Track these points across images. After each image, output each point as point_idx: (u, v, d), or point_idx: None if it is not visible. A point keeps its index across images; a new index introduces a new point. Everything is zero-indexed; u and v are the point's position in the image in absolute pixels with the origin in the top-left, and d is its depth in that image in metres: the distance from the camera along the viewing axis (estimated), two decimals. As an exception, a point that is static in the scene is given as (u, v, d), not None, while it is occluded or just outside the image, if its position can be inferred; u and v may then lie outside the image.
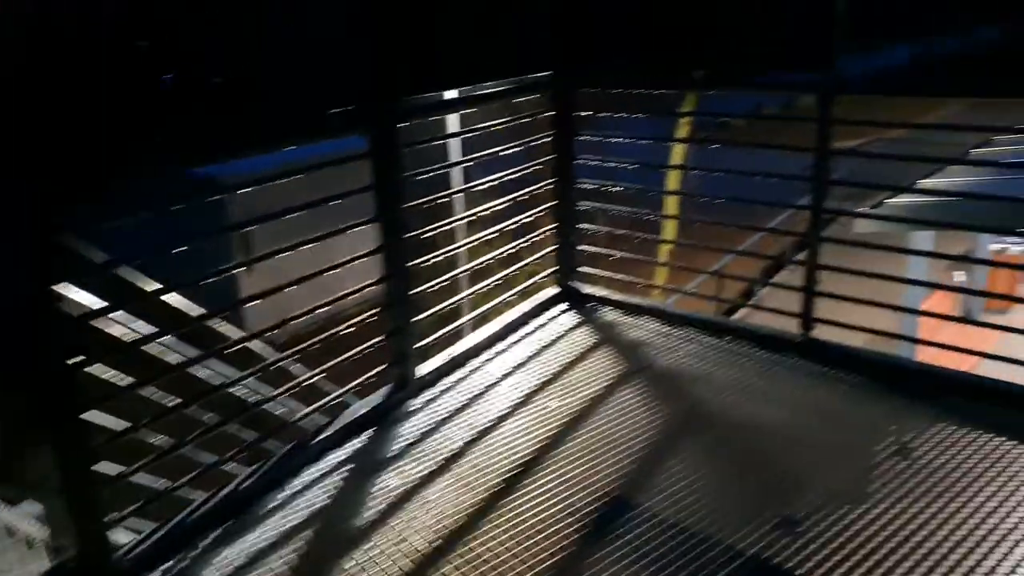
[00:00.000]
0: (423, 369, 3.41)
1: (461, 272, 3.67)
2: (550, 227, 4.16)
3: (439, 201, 3.49)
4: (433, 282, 3.38)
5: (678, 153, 8.29)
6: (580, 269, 4.32)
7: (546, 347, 3.78)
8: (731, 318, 6.54)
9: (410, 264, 3.17)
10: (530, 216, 3.98)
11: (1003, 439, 2.85)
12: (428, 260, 3.33)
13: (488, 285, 3.82)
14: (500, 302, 3.99)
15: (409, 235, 3.15)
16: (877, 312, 3.47)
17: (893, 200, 7.02)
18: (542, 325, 4.02)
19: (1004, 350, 3.15)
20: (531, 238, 4.03)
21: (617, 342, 3.84)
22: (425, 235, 3.31)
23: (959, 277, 11.46)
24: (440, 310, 3.51)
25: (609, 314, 4.13)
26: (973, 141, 9.25)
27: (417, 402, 3.26)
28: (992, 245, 10.48)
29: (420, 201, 3.24)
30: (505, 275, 3.90)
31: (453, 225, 3.82)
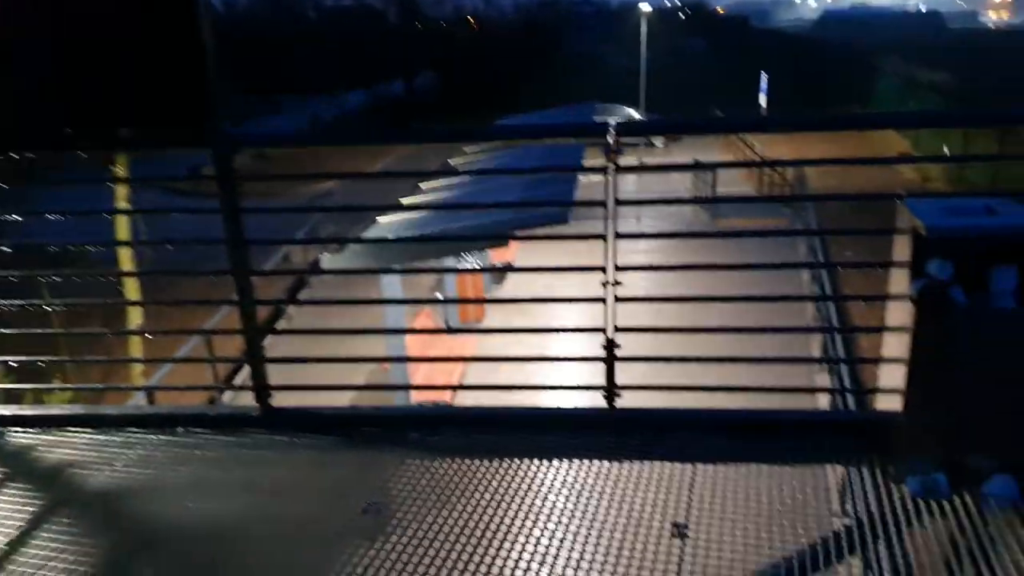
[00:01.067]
0: None
1: None
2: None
3: None
4: None
5: (122, 226, 7.36)
6: (-27, 387, 3.31)
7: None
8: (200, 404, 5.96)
9: None
10: None
11: (468, 461, 2.87)
12: None
13: None
14: None
15: None
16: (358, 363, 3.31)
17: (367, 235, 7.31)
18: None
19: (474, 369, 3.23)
20: None
21: (30, 473, 2.99)
22: None
23: (439, 295, 12.72)
24: None
25: (17, 437, 3.22)
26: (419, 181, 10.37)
27: None
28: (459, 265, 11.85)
29: None
30: None
31: None
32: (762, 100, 23.06)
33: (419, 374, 8.87)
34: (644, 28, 22.74)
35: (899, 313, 2.51)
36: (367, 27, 46.38)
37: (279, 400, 3.30)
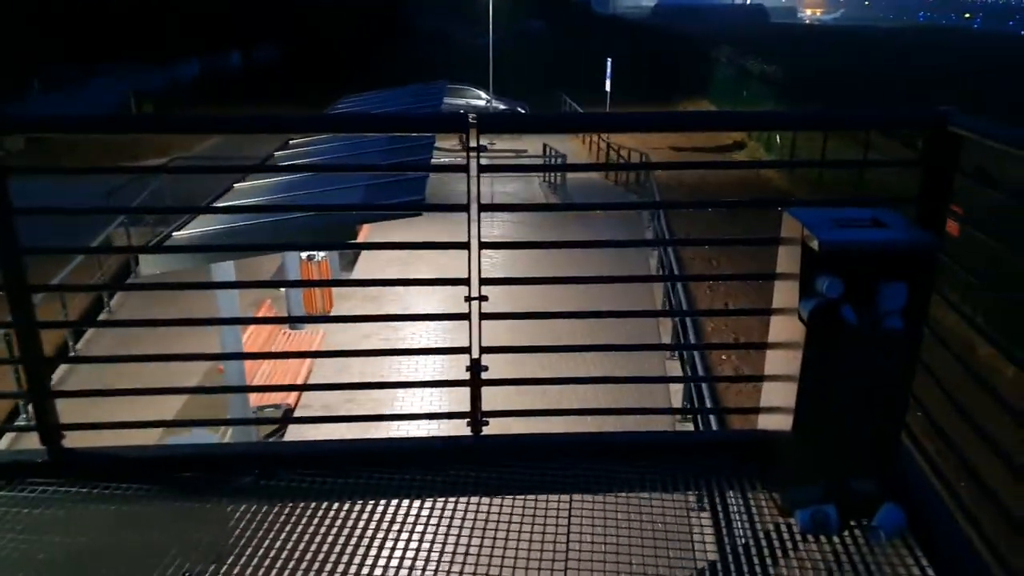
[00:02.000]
0: None
1: None
2: None
3: None
4: None
5: None
6: None
7: None
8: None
9: None
10: None
11: (313, 507, 2.46)
12: None
13: None
14: None
15: None
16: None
17: (185, 232, 6.49)
18: None
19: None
20: None
21: None
22: None
23: (283, 290, 11.88)
24: None
25: None
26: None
27: None
28: (302, 255, 11.06)
29: None
30: None
31: None
32: (607, 85, 23.51)
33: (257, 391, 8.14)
34: (491, 7, 22.53)
35: (783, 328, 2.34)
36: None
37: (73, 441, 2.72)
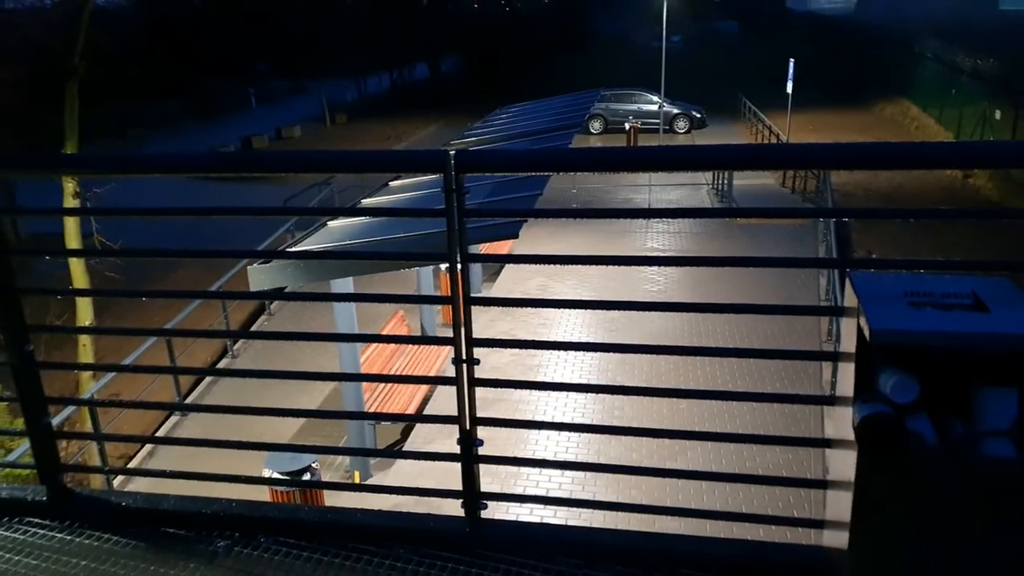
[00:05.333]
0: None
1: None
2: None
3: None
4: None
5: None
6: None
7: None
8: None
9: None
10: None
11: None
12: None
13: None
14: None
15: None
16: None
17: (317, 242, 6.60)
18: None
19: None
20: None
21: None
22: None
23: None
24: None
25: None
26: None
27: None
28: (442, 267, 10.96)
29: None
30: None
31: None
32: (788, 87, 21.84)
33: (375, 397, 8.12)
34: (664, 9, 21.83)
35: (840, 425, 1.72)
36: (393, 9, 45.26)
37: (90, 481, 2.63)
